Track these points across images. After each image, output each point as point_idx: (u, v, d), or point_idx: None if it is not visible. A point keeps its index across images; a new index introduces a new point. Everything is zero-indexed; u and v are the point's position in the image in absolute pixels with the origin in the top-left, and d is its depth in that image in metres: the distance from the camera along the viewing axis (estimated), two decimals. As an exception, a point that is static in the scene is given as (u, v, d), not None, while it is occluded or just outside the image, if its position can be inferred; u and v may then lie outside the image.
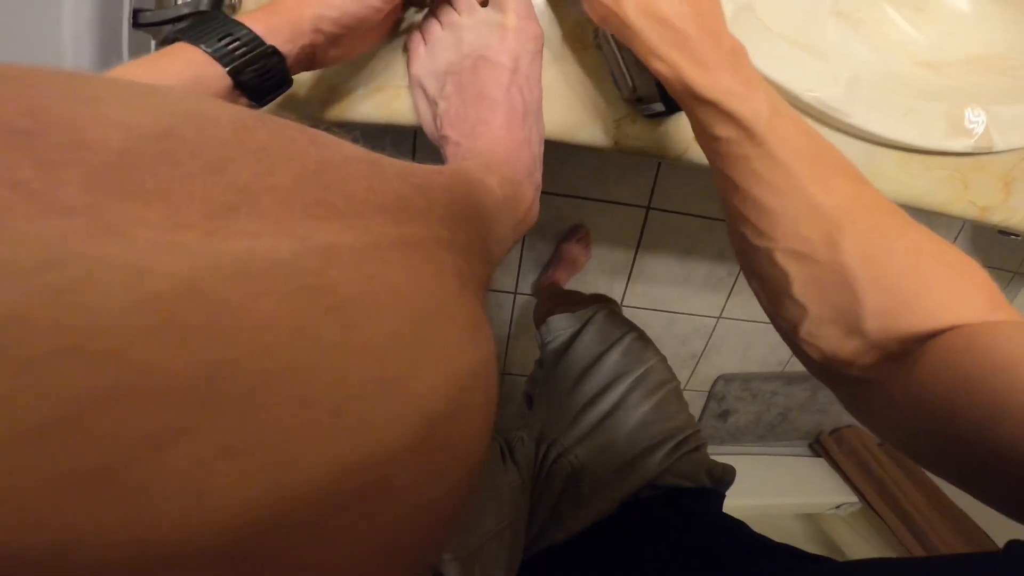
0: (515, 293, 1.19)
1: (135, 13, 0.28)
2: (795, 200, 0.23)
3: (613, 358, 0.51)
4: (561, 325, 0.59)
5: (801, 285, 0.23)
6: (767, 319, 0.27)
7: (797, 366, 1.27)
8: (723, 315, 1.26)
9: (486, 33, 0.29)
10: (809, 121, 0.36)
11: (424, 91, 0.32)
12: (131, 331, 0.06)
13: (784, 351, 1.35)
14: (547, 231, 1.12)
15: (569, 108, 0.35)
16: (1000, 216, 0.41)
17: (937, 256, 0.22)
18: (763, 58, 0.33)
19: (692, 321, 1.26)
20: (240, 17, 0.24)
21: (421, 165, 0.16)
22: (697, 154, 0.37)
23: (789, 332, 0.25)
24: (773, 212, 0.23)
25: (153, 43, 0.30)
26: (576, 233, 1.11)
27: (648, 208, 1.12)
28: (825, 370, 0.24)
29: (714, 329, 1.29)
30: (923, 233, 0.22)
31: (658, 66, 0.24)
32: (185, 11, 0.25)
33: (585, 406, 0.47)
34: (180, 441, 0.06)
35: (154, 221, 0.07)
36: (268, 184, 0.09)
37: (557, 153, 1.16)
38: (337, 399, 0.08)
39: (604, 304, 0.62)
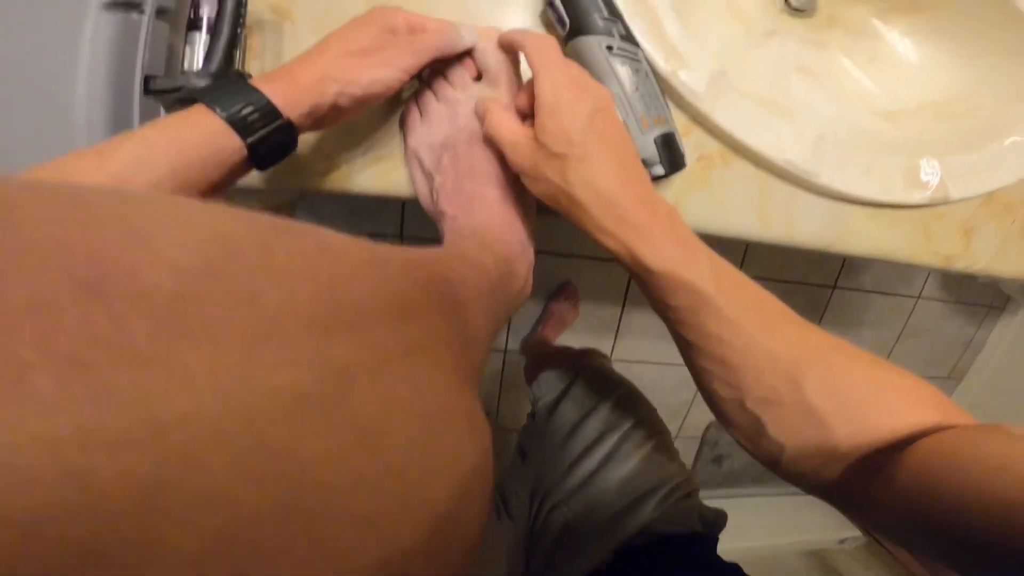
0: (505, 351, 1.20)
1: (146, 80, 0.29)
2: (753, 353, 0.24)
3: (602, 412, 0.52)
4: (552, 381, 0.60)
5: (775, 427, 0.24)
6: None
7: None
8: None
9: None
10: (783, 182, 0.39)
11: (420, 164, 0.33)
12: (230, 479, 0.08)
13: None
14: (536, 290, 1.12)
15: None
16: (963, 263, 0.43)
17: (890, 379, 0.24)
18: (739, 124, 0.36)
19: (682, 371, 1.26)
20: (257, 81, 0.25)
21: (422, 252, 0.17)
22: (686, 218, 0.38)
23: (771, 464, 0.26)
24: (736, 367, 0.25)
25: (162, 109, 0.31)
26: (564, 291, 1.13)
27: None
28: (812, 488, 0.26)
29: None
30: (873, 360, 0.25)
31: (608, 242, 0.26)
32: (197, 83, 0.27)
33: (577, 459, 0.48)
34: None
35: (206, 363, 0.09)
36: (291, 310, 0.11)
37: (549, 213, 1.20)
38: (373, 512, 0.10)
39: (594, 358, 0.63)
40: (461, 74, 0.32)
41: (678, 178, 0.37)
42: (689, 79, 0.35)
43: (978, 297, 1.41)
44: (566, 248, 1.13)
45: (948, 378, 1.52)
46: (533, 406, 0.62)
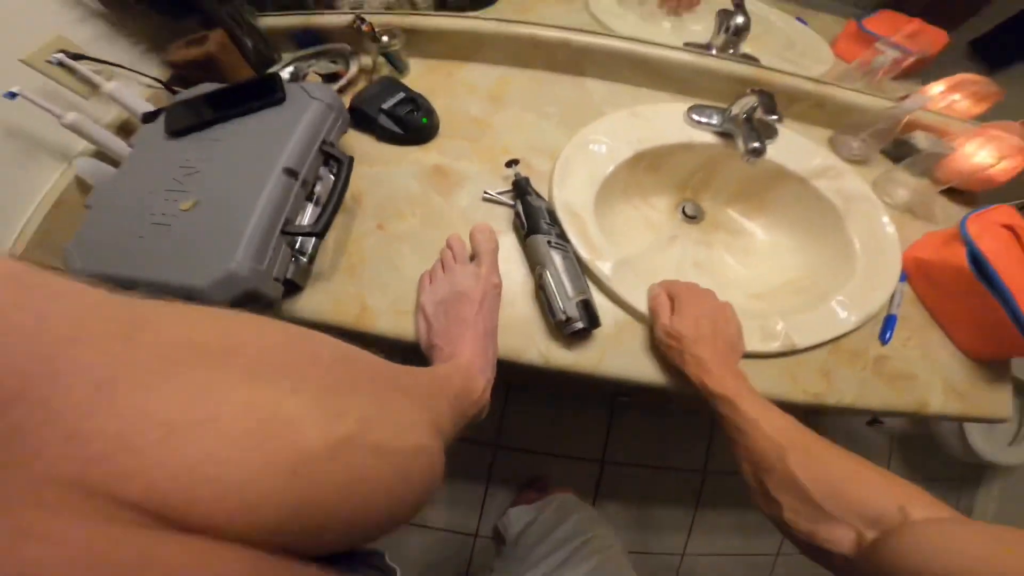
0: (476, 536, 1.20)
1: (284, 222, 0.46)
2: (756, 435, 0.39)
3: (562, 530, 0.58)
4: (520, 514, 0.67)
5: (773, 487, 0.36)
6: (729, 551, 0.42)
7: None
8: (687, 551, 1.25)
9: (469, 278, 0.48)
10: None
11: (424, 314, 0.48)
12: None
13: None
14: (510, 481, 1.23)
15: (516, 339, 0.51)
16: (832, 399, 0.54)
17: (860, 462, 0.36)
18: (635, 298, 0.53)
19: (657, 560, 1.25)
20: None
21: (420, 369, 0.32)
22: (608, 368, 0.51)
23: (777, 521, 0.36)
24: (748, 447, 0.39)
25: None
26: (536, 482, 1.21)
27: (603, 462, 1.27)
28: (811, 549, 0.34)
29: (680, 565, 1.26)
30: (846, 451, 0.36)
31: (690, 372, 0.45)
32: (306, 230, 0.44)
33: (535, 564, 0.52)
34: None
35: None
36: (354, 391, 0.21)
37: (520, 411, 1.30)
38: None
39: (562, 492, 0.71)
40: (461, 254, 0.51)
41: (603, 338, 0.52)
42: (602, 266, 0.54)
43: (948, 472, 1.40)
44: (538, 447, 1.26)
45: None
46: (499, 544, 0.67)
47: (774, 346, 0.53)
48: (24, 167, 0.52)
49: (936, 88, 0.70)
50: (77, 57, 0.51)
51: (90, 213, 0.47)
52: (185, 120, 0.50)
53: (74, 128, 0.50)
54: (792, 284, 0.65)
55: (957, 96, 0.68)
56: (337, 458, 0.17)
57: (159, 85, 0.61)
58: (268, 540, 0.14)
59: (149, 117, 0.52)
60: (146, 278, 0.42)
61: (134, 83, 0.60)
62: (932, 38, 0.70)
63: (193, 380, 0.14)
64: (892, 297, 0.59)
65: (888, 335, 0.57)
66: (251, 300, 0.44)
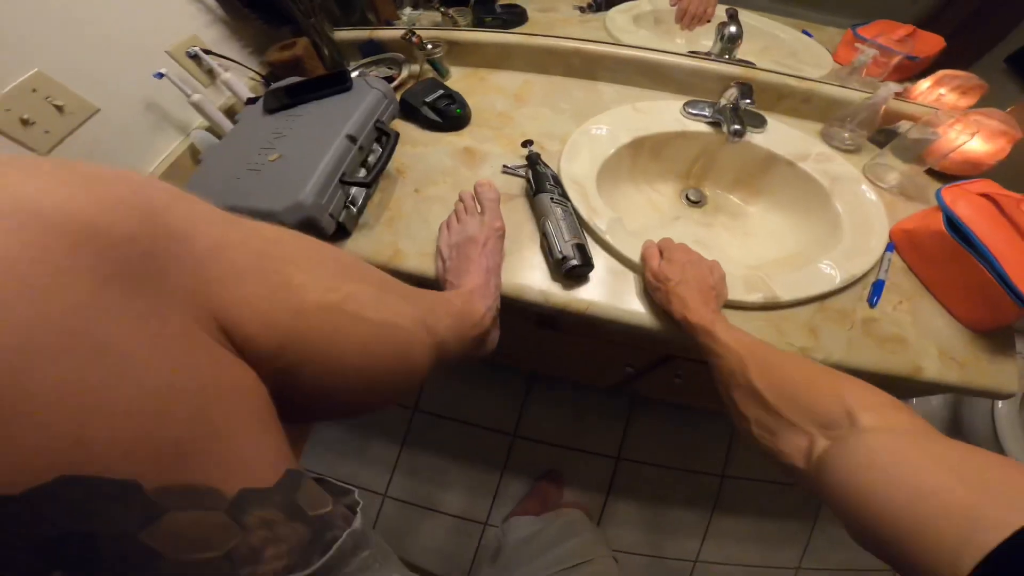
0: (485, 524, 1.23)
1: (342, 174, 0.59)
2: (727, 354, 0.42)
3: (562, 548, 0.60)
4: (523, 525, 0.68)
5: (739, 402, 0.39)
6: (744, 562, 0.46)
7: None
8: (700, 558, 1.22)
9: (476, 225, 0.59)
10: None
11: (441, 255, 0.59)
12: None
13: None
14: (524, 472, 1.26)
15: (521, 279, 0.60)
16: (820, 355, 0.57)
17: (814, 366, 0.37)
18: (626, 248, 0.62)
19: (667, 565, 1.22)
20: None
21: (426, 290, 0.41)
22: (599, 309, 0.58)
23: (750, 439, 0.37)
24: (720, 368, 0.43)
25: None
26: (551, 475, 1.25)
27: (618, 459, 1.29)
28: (782, 468, 0.34)
29: (692, 572, 1.23)
30: (802, 358, 0.39)
31: (675, 310, 0.51)
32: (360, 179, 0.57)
33: None
34: None
35: None
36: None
37: (541, 404, 1.39)
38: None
39: (571, 509, 0.72)
40: (471, 205, 0.62)
41: (597, 283, 0.60)
42: (598, 222, 0.63)
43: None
44: (556, 439, 1.29)
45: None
46: (496, 550, 0.69)
47: (756, 297, 0.58)
48: (155, 133, 0.69)
49: (924, 84, 0.75)
50: (206, 53, 0.69)
51: (202, 163, 0.62)
52: (278, 101, 0.66)
53: (197, 106, 0.66)
54: (786, 260, 0.70)
55: (943, 90, 0.73)
56: (324, 313, 0.24)
57: (259, 78, 0.78)
58: (271, 359, 0.21)
59: (251, 101, 0.68)
60: (240, 205, 0.56)
61: (242, 75, 0.77)
62: (925, 42, 0.76)
63: (256, 252, 0.22)
64: (880, 263, 0.63)
65: (875, 299, 0.60)
66: (311, 227, 0.57)
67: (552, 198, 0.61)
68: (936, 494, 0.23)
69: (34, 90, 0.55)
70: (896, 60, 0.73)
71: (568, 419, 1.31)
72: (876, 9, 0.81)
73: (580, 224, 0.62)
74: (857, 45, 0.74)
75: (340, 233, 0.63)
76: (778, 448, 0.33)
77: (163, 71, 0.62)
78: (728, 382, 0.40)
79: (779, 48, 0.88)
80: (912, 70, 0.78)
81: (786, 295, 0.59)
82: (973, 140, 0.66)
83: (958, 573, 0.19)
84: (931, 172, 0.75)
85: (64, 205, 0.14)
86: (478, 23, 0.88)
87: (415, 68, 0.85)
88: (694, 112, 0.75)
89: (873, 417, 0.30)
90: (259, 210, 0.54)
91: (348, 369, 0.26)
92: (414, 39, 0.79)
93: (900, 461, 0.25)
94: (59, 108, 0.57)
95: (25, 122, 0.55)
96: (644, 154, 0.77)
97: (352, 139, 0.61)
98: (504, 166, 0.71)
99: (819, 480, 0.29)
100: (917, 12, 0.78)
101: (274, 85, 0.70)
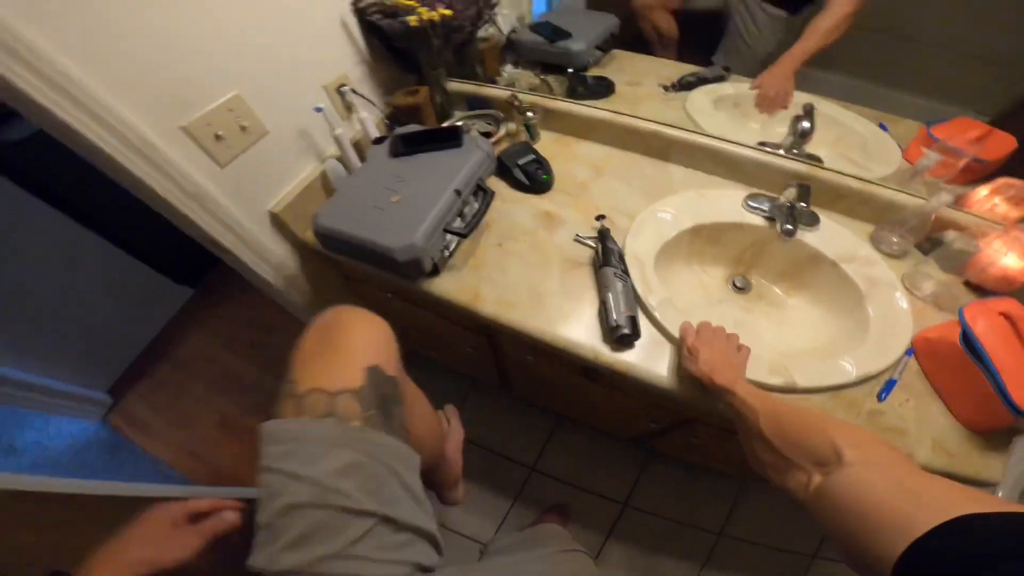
0: (486, 546, 1.27)
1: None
2: (745, 412, 0.50)
3: (535, 548, 0.67)
4: (505, 535, 0.75)
5: (758, 450, 0.46)
6: None
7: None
8: None
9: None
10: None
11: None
12: None
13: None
14: (534, 504, 1.34)
15: (576, 333, 0.70)
16: None
17: (810, 413, 0.45)
18: (673, 325, 0.71)
19: None
20: None
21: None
22: (639, 372, 0.67)
23: (765, 476, 0.45)
24: (741, 424, 0.51)
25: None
26: (559, 508, 1.31)
27: (625, 505, 1.35)
28: (790, 498, 0.40)
29: None
30: (802, 409, 0.46)
31: (703, 373, 0.59)
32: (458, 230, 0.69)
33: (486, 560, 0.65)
34: None
35: None
36: None
37: (564, 442, 1.51)
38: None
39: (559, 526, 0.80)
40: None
41: (640, 349, 0.69)
42: (651, 299, 0.72)
43: None
44: (569, 477, 1.38)
45: None
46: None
47: (776, 380, 0.66)
48: (299, 157, 0.83)
49: (983, 191, 0.75)
50: (352, 91, 0.83)
51: (336, 195, 0.76)
52: (402, 148, 0.79)
53: (338, 139, 0.80)
54: (812, 350, 0.77)
55: (997, 200, 0.73)
56: None
57: (385, 120, 0.92)
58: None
59: (377, 141, 0.82)
60: (362, 236, 0.68)
61: (373, 113, 0.91)
62: (997, 143, 0.73)
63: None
64: (896, 364, 0.68)
65: (885, 395, 0.65)
66: (415, 265, 0.69)
67: (615, 273, 0.71)
68: (890, 509, 0.29)
69: (230, 110, 0.68)
70: (963, 162, 0.72)
71: (585, 461, 1.40)
72: (959, 94, 0.78)
73: (635, 297, 0.71)
74: (923, 148, 0.76)
75: (432, 272, 0.75)
76: (787, 485, 0.40)
77: (321, 106, 0.76)
78: (748, 434, 0.49)
79: (851, 139, 0.91)
80: (980, 172, 0.76)
81: (804, 382, 0.66)
82: (1008, 256, 0.68)
83: (893, 555, 0.26)
84: (968, 284, 0.75)
85: None
86: (571, 92, 0.99)
87: (511, 127, 0.97)
88: (754, 205, 0.83)
89: (855, 453, 0.36)
90: (380, 244, 0.67)
91: None
92: (516, 103, 0.91)
93: (871, 488, 0.32)
94: (243, 128, 0.71)
95: (218, 137, 0.68)
96: (701, 239, 0.85)
97: (458, 193, 0.73)
98: (577, 235, 0.81)
99: (815, 507, 0.36)
100: (1004, 101, 0.74)
101: (399, 130, 0.83)
